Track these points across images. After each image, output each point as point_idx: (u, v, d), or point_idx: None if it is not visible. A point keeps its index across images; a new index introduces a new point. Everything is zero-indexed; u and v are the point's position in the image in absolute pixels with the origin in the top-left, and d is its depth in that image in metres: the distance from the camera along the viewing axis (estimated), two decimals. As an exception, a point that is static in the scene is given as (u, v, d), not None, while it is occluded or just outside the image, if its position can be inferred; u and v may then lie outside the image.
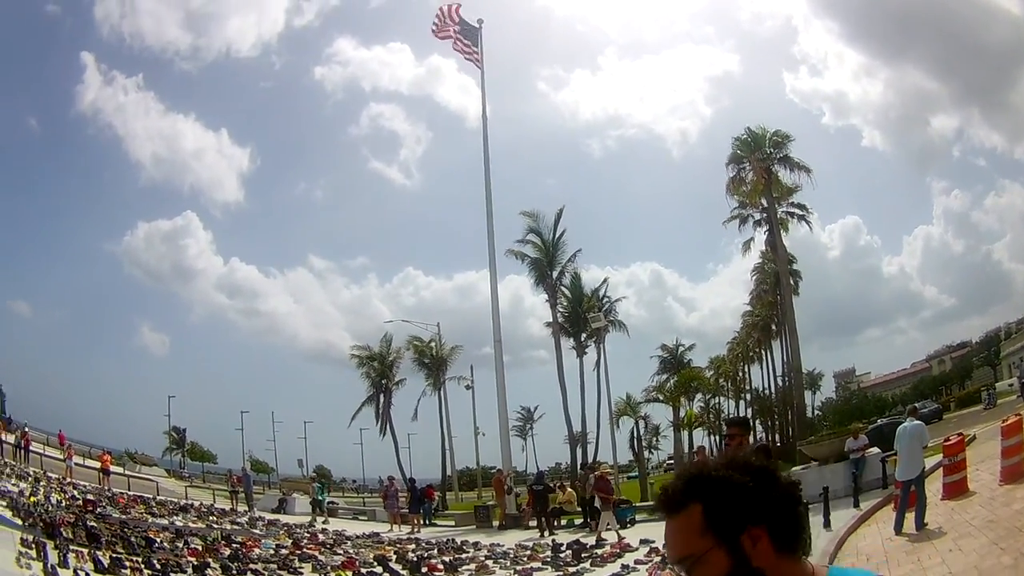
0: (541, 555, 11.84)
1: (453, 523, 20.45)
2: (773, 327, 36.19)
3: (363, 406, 43.48)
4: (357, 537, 16.05)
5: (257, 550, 12.72)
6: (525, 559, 11.55)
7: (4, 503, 11.22)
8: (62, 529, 9.64)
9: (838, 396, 55.44)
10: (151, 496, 21.45)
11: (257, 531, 16.78)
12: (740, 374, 44.36)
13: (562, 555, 11.79)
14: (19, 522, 9.79)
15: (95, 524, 11.28)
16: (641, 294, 78.64)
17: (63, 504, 13.64)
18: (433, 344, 40.29)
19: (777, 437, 34.26)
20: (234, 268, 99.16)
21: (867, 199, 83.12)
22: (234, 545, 12.72)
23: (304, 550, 13.04)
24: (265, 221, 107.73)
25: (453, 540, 14.87)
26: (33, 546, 7.75)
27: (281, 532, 16.42)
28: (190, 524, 16.05)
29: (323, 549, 13.44)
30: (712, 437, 46.91)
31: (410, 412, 43.30)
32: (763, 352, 40.28)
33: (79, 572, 7.22)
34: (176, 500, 22.44)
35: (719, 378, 44.63)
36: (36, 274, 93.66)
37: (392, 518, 19.87)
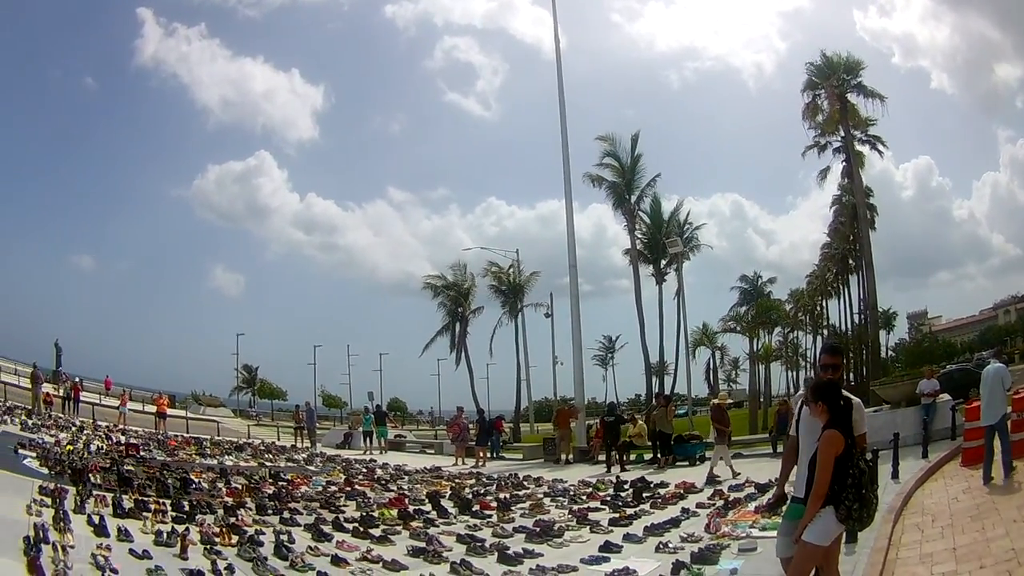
0: (602, 493, 12.96)
1: (521, 456, 22.46)
2: (851, 262, 41.09)
3: (438, 335, 48.86)
4: (417, 472, 17.94)
5: (304, 488, 14.65)
6: (584, 497, 12.56)
7: (34, 455, 13.41)
8: (91, 475, 11.67)
9: (910, 338, 61.00)
10: (208, 437, 24.85)
11: (313, 468, 19.16)
12: (818, 309, 49.16)
13: (623, 494, 12.85)
14: (46, 471, 11.87)
15: (132, 468, 13.58)
16: (722, 225, 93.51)
17: (103, 451, 16.24)
18: (512, 271, 44.96)
19: (852, 376, 37.15)
20: (311, 204, 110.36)
21: (937, 141, 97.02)
22: (281, 483, 14.93)
23: (355, 487, 14.82)
24: (341, 156, 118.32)
25: (515, 475, 16.33)
26: (50, 494, 9.46)
27: (336, 469, 18.59)
28: (240, 463, 18.63)
29: (376, 486, 15.15)
30: (790, 372, 54.69)
31: (487, 341, 48.75)
32: (840, 287, 44.86)
33: (94, 516, 8.78)
34: (235, 439, 25.81)
35: (798, 312, 49.94)
36: (99, 228, 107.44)
37: (458, 451, 21.92)
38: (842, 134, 32.93)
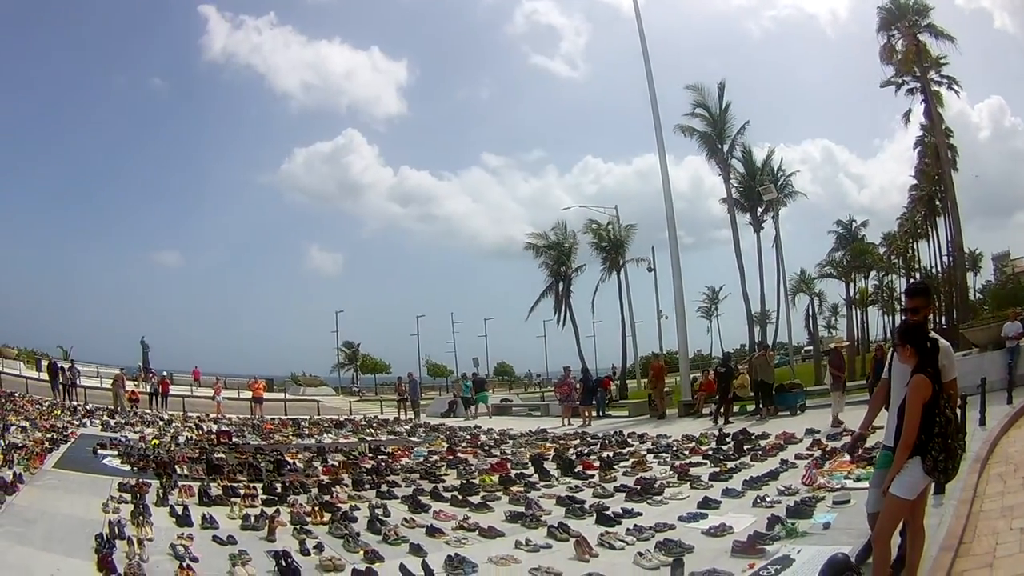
0: (704, 448, 13.17)
1: (627, 413, 23.00)
2: (937, 203, 43.38)
3: (542, 297, 51.24)
4: (521, 435, 18.28)
5: (405, 459, 14.97)
6: (687, 453, 12.80)
7: (115, 453, 13.87)
8: (177, 467, 12.12)
9: (996, 280, 61.85)
10: (307, 417, 25.80)
11: (415, 439, 19.59)
12: (910, 252, 51.64)
13: (725, 447, 13.09)
14: (128, 468, 12.26)
15: (223, 456, 14.17)
16: (815, 171, 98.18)
17: (192, 441, 16.89)
18: (611, 227, 47.31)
19: (942, 320, 39.24)
20: (405, 176, 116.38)
21: (1005, 81, 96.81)
22: (380, 457, 15.22)
23: (458, 455, 15.08)
24: (432, 127, 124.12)
25: (620, 433, 16.68)
26: (130, 490, 9.72)
27: (439, 438, 18.99)
28: (340, 440, 19.27)
29: (479, 452, 15.47)
30: (886, 317, 56.84)
31: (591, 300, 51.48)
32: (929, 229, 47.22)
33: (177, 507, 8.97)
34: (336, 417, 26.72)
35: (891, 255, 52.50)
36: (183, 223, 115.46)
37: (565, 412, 22.34)
38: (918, 74, 35.86)
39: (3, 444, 11.70)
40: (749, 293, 43.94)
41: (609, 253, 48.43)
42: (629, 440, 15.57)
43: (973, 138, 77.99)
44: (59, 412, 20.25)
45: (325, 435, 20.28)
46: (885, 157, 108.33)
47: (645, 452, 13.37)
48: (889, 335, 50.45)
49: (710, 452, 12.68)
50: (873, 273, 54.01)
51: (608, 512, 8.43)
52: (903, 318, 5.18)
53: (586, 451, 14.55)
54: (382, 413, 30.45)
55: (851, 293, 52.42)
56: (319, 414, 27.81)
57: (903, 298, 5.10)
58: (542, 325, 63.41)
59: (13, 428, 14.67)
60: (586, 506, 8.99)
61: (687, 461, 11.84)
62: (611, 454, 13.69)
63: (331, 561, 6.98)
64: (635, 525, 7.72)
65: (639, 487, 9.82)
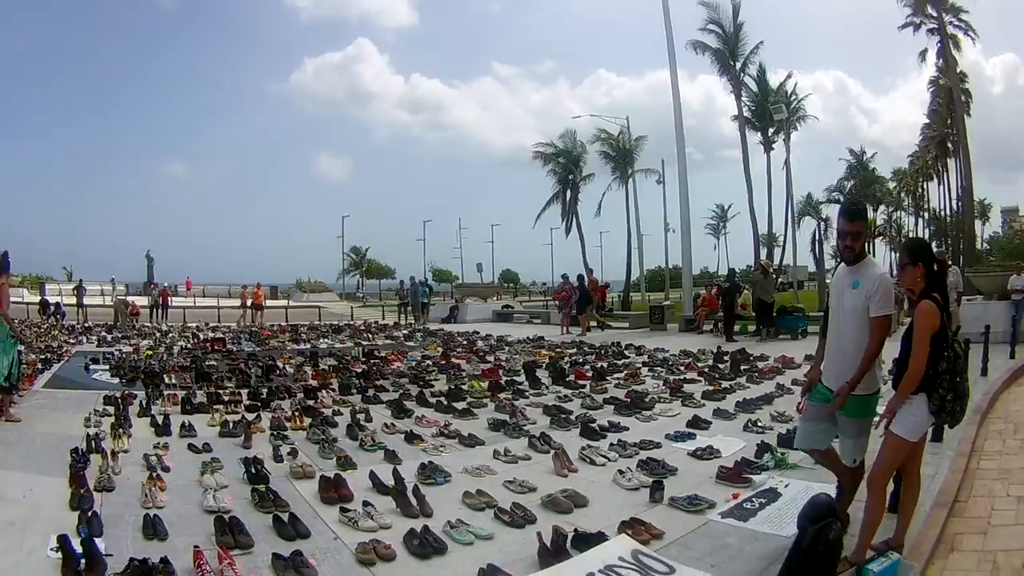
0: (700, 364, 13.09)
1: (627, 325, 23.05)
2: (949, 146, 45.11)
3: (549, 204, 51.99)
4: (519, 342, 18.35)
5: (397, 364, 14.96)
6: (682, 368, 12.74)
7: (106, 367, 13.84)
8: (166, 376, 12.13)
9: (1004, 233, 62.88)
10: (307, 323, 25.87)
11: (412, 343, 19.69)
12: (920, 191, 54.32)
13: (721, 366, 12.94)
14: (116, 381, 12.23)
15: (215, 363, 14.24)
16: (826, 100, 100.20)
17: (186, 350, 17.01)
18: (621, 136, 47.39)
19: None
20: (415, 84, 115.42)
21: (1020, 39, 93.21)
22: (373, 361, 15.22)
23: (451, 360, 15.17)
24: (443, 37, 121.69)
25: (618, 344, 16.65)
26: (114, 402, 9.69)
27: (434, 343, 19.08)
28: (336, 345, 19.34)
29: (473, 358, 15.52)
30: (893, 253, 58.23)
31: (597, 210, 51.83)
32: (941, 171, 49.43)
33: (159, 416, 8.94)
34: (336, 322, 26.79)
35: (900, 191, 55.16)
36: (191, 135, 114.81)
37: (563, 320, 22.42)
38: (934, 15, 37.27)
39: None
40: (757, 215, 45.57)
41: (618, 163, 48.75)
42: (626, 352, 15.55)
43: (986, 91, 78.79)
44: (56, 332, 20.28)
45: (322, 340, 20.33)
46: (898, 96, 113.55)
47: (640, 365, 13.31)
48: (894, 271, 50.83)
49: (706, 369, 12.62)
50: (882, 208, 55.19)
51: (593, 425, 8.30)
52: (838, 246, 4.59)
53: (581, 360, 14.52)
54: (383, 318, 30.53)
55: None
56: (320, 320, 27.86)
57: (840, 220, 4.49)
58: (549, 234, 63.75)
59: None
60: (572, 417, 8.88)
61: (681, 377, 11.81)
62: (606, 364, 13.66)
63: (302, 468, 6.89)
64: (619, 440, 7.59)
65: (629, 400, 9.74)
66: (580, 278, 23.37)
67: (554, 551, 4.55)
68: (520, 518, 5.32)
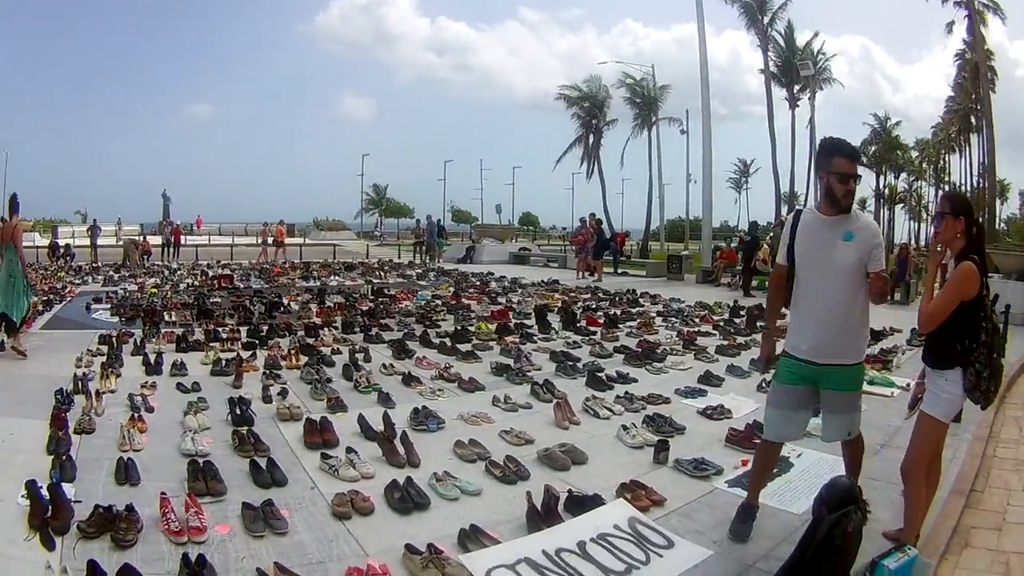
0: (716, 317, 12.70)
1: (644, 273, 22.72)
2: (972, 120, 45.31)
3: (571, 147, 52.06)
4: (532, 285, 18.05)
5: (406, 303, 14.74)
6: (697, 320, 12.36)
7: (107, 306, 13.54)
8: (166, 313, 11.94)
9: (1021, 215, 62.09)
10: (320, 261, 25.67)
11: (424, 283, 19.39)
12: (941, 162, 54.35)
13: (737, 321, 12.43)
14: (115, 320, 12.06)
15: (219, 300, 14.04)
16: (852, 65, 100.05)
17: (192, 287, 16.83)
18: (645, 82, 47.65)
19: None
20: (441, 27, 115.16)
21: None
22: (381, 300, 14.96)
23: (461, 300, 14.92)
24: None
25: (633, 291, 16.29)
26: (108, 341, 9.41)
27: (447, 282, 18.76)
28: (347, 283, 19.13)
29: (484, 299, 15.26)
30: (912, 222, 60.58)
31: (620, 157, 51.88)
32: (963, 144, 49.47)
33: (151, 354, 8.71)
34: (350, 260, 26.58)
35: (922, 161, 55.03)
36: (217, 77, 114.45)
37: (579, 264, 22.17)
38: None
39: None
40: (779, 171, 45.60)
41: (642, 109, 48.67)
42: (641, 300, 15.22)
43: (1010, 73, 78.38)
44: (62, 274, 20.01)
45: (332, 278, 20.14)
46: (923, 67, 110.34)
47: (655, 315, 12.96)
48: (913, 240, 53.52)
49: (721, 323, 12.17)
50: (904, 176, 55.95)
51: (601, 375, 7.92)
52: (835, 188, 3.79)
53: (594, 306, 14.18)
54: (399, 257, 30.29)
55: (880, 186, 53.84)
56: (335, 258, 27.62)
57: (834, 158, 3.78)
58: (571, 178, 63.70)
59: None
60: (579, 365, 8.55)
61: (696, 329, 11.41)
62: (619, 312, 13.31)
63: (289, 409, 6.62)
64: (627, 393, 7.22)
65: (640, 350, 9.37)
66: (597, 222, 22.99)
67: (544, 514, 4.22)
68: (512, 473, 5.03)
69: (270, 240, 28.51)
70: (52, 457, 5.14)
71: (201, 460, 5.22)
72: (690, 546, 3.98)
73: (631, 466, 5.24)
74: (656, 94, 48.42)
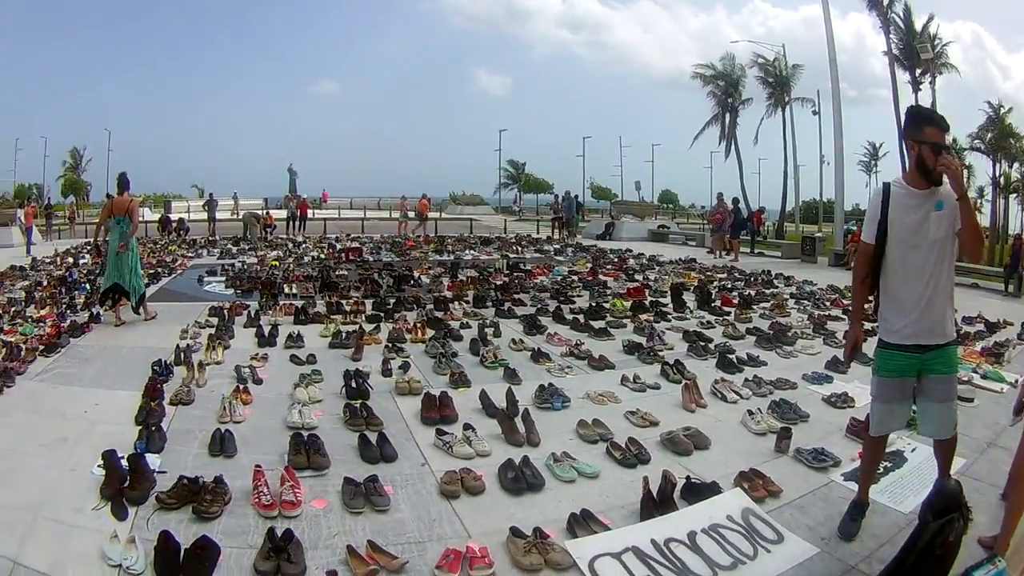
0: (846, 301, 12.12)
1: (779, 254, 22.81)
2: None
3: (707, 126, 54.22)
4: (670, 263, 17.91)
5: (542, 278, 14.60)
6: (827, 304, 12.16)
7: (222, 278, 13.81)
8: (286, 286, 12.22)
9: None
10: (456, 235, 25.95)
11: (561, 258, 19.17)
12: None
13: (867, 306, 11.61)
14: (230, 292, 12.41)
15: (345, 272, 14.28)
16: (965, 51, 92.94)
17: (317, 260, 17.26)
18: (777, 62, 49.84)
19: None
20: (574, 3, 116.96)
21: None
22: (516, 274, 14.83)
23: (598, 276, 14.81)
24: None
25: (768, 272, 16.05)
26: (219, 313, 9.76)
27: (584, 258, 18.60)
28: (482, 257, 19.17)
29: (621, 276, 15.10)
30: None
31: (754, 136, 53.43)
32: None
33: (265, 327, 8.82)
34: (486, 235, 26.74)
35: None
36: (343, 54, 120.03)
37: (715, 243, 22.28)
38: None
39: (88, 289, 11.82)
40: (906, 156, 44.42)
41: (775, 89, 50.31)
42: (775, 281, 15.09)
43: None
44: (173, 248, 20.75)
45: (467, 252, 20.22)
46: None
47: (787, 296, 12.83)
48: None
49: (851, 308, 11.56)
50: (1016, 165, 53.97)
51: (731, 356, 7.90)
52: (927, 159, 3.67)
53: (729, 286, 14.10)
54: (537, 232, 30.27)
55: (996, 173, 52.72)
56: (471, 232, 27.86)
57: (930, 130, 3.67)
58: (708, 157, 64.20)
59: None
60: (711, 346, 8.53)
61: (826, 313, 11.25)
62: (753, 293, 13.19)
63: (408, 383, 6.53)
64: (755, 376, 7.17)
65: (772, 332, 9.41)
66: (735, 201, 22.88)
67: (659, 501, 4.14)
68: (633, 456, 4.95)
69: (411, 214, 29.05)
70: (140, 428, 5.21)
71: (306, 433, 5.16)
72: (798, 542, 3.92)
73: (752, 453, 5.19)
74: (788, 74, 49.58)
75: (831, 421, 6.02)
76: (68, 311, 10.08)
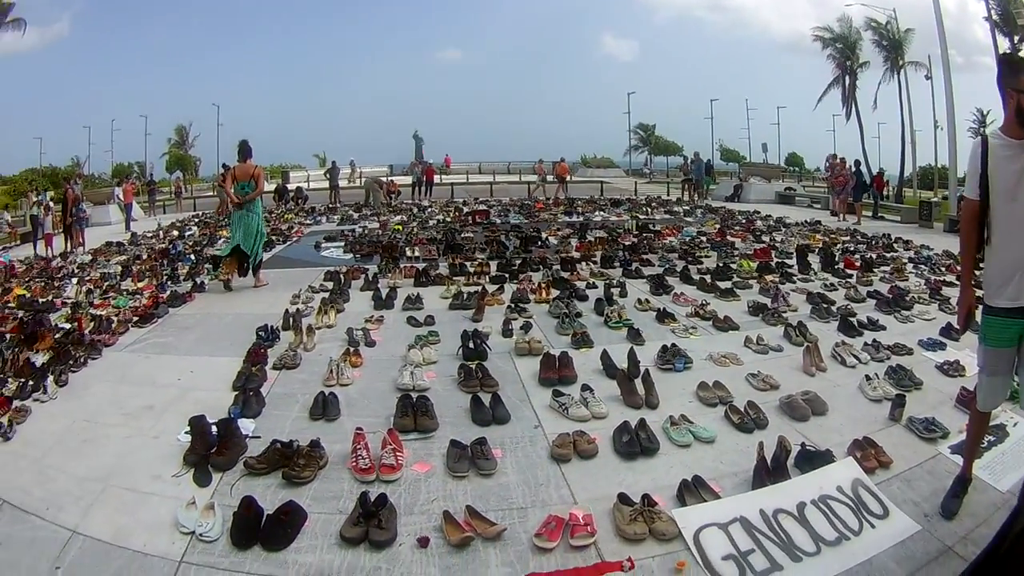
0: (959, 267, 11.13)
1: (899, 218, 21.88)
2: None
3: (829, 89, 53.42)
4: (796, 224, 17.20)
5: (671, 238, 14.01)
6: (943, 269, 11.65)
7: (341, 243, 13.64)
8: (408, 249, 12.02)
9: None
10: (587, 197, 25.43)
11: (690, 219, 18.40)
12: None
13: (978, 273, 10.62)
14: (348, 257, 12.18)
15: (471, 235, 14.05)
16: None
17: (442, 224, 17.01)
18: (889, 25, 48.81)
19: None
20: None
21: None
22: (645, 235, 14.25)
23: (727, 237, 14.22)
24: None
25: (888, 236, 15.27)
26: (334, 277, 9.51)
27: (712, 219, 17.96)
28: (611, 218, 18.60)
29: (749, 237, 14.54)
30: None
31: (875, 104, 51.99)
32: None
33: (383, 289, 8.67)
34: (617, 196, 26.11)
35: None
36: (465, 22, 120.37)
37: (839, 206, 21.47)
38: None
39: (193, 260, 11.74)
40: None
41: (889, 52, 49.57)
42: (895, 245, 14.27)
43: None
44: (289, 216, 20.56)
45: (597, 213, 19.71)
46: None
47: (906, 260, 12.15)
48: None
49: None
50: None
51: (853, 320, 7.58)
52: (1012, 103, 3.36)
53: (852, 249, 13.40)
54: (667, 194, 29.42)
55: None
56: (602, 195, 27.25)
57: (1015, 75, 3.33)
58: (831, 120, 61.86)
59: (221, 241, 14.02)
60: (833, 308, 8.24)
61: (942, 278, 10.52)
62: (874, 256, 12.52)
63: (529, 343, 6.19)
64: (874, 340, 6.85)
65: (891, 296, 9.03)
66: (856, 163, 21.93)
67: (773, 468, 3.93)
68: (751, 420, 4.73)
69: (549, 177, 28.76)
70: (236, 393, 5.04)
71: (415, 395, 4.89)
72: (903, 519, 3.68)
73: (866, 421, 4.91)
74: (900, 37, 48.65)
75: (942, 390, 5.62)
76: (169, 282, 9.87)
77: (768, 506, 3.62)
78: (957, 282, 9.74)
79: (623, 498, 3.51)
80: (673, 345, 6.14)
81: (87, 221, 16.90)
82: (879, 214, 22.48)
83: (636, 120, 73.48)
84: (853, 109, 52.09)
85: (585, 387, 5.03)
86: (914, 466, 4.25)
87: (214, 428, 4.15)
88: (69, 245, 15.12)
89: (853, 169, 21.23)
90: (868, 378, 5.56)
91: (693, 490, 3.70)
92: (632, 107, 69.04)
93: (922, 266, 11.67)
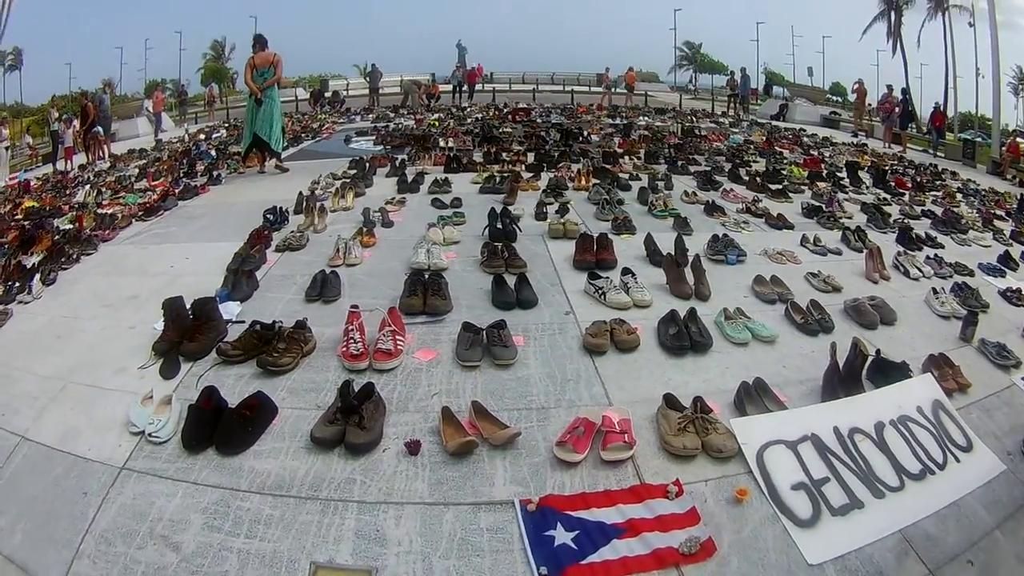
0: (1008, 204, 10.85)
1: (943, 155, 20.80)
2: None
3: (874, 21, 48.08)
4: (843, 143, 16.60)
5: (717, 144, 12.89)
6: (993, 203, 10.84)
7: (372, 137, 12.54)
8: (441, 139, 11.13)
9: None
10: (632, 106, 24.18)
11: (736, 130, 17.26)
12: None
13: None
14: (378, 148, 10.86)
15: (509, 131, 12.90)
16: None
17: (480, 120, 15.82)
18: None
19: None
20: None
21: None
22: (690, 138, 13.12)
23: (774, 147, 13.25)
24: None
25: (935, 166, 14.43)
26: (358, 164, 8.62)
27: (759, 130, 16.96)
28: (656, 123, 17.49)
29: (796, 149, 13.58)
30: None
31: (919, 44, 44.79)
32: None
33: (409, 174, 7.80)
34: (660, 106, 24.84)
35: None
36: None
37: (885, 134, 20.59)
38: None
39: (213, 156, 10.77)
40: None
41: None
42: (941, 175, 13.24)
43: None
44: (323, 116, 19.03)
45: (641, 118, 18.54)
46: None
47: (956, 190, 11.22)
48: None
49: (1012, 210, 10.17)
50: None
51: (912, 233, 6.88)
52: None
53: (901, 170, 12.45)
54: (712, 109, 28.05)
55: None
56: (645, 105, 25.87)
57: None
58: (875, 55, 59.17)
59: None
60: (890, 220, 7.47)
61: (991, 211, 9.65)
62: (924, 180, 11.65)
63: (564, 225, 5.36)
64: (935, 255, 6.24)
65: (946, 218, 8.23)
66: (904, 91, 21.49)
67: (846, 375, 3.19)
68: (815, 322, 4.01)
69: (616, 89, 27.14)
70: (226, 275, 4.28)
71: (428, 274, 4.08)
72: (987, 455, 3.03)
73: (937, 338, 4.22)
74: None
75: (1009, 318, 4.94)
76: (184, 178, 8.82)
77: (843, 423, 2.89)
78: (1006, 218, 9.23)
79: (670, 401, 2.77)
80: (725, 235, 5.30)
81: (115, 135, 15.87)
82: (937, 153, 21.63)
83: (682, 38, 71.27)
84: (899, 45, 50.98)
85: (626, 270, 4.19)
86: (990, 394, 3.55)
87: (192, 314, 3.38)
88: (91, 158, 14.16)
89: (900, 97, 20.06)
90: (935, 291, 4.90)
91: (755, 397, 2.95)
92: (678, 24, 66.88)
93: (971, 197, 10.92)
